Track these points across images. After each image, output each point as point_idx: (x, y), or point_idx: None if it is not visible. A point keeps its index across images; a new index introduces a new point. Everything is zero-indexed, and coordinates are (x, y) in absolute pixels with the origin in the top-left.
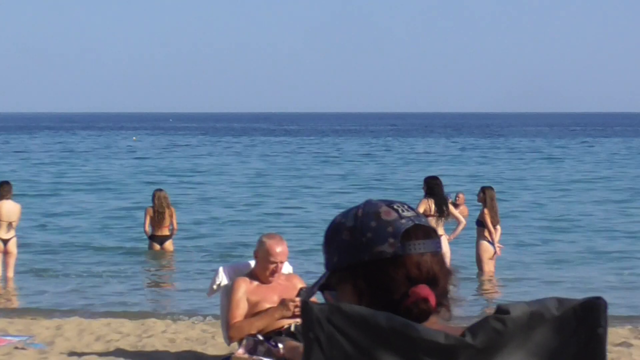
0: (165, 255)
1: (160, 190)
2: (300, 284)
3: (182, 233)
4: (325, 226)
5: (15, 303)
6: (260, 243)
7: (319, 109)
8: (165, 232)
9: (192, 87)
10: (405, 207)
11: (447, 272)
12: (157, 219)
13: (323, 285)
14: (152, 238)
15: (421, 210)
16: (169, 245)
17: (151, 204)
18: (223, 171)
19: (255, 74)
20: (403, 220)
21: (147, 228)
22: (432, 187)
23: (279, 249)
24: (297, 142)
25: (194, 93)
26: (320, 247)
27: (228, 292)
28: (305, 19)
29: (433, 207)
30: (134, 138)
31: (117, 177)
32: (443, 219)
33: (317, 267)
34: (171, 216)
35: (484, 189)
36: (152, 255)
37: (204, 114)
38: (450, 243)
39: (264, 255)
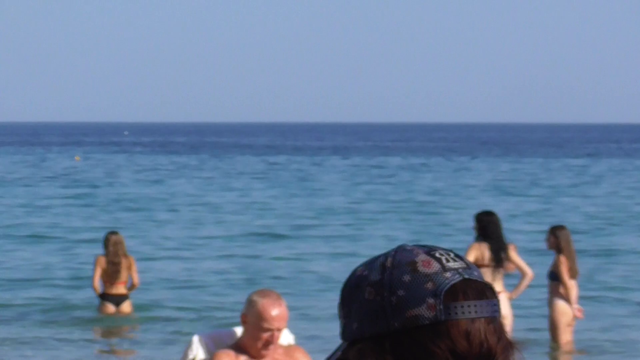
0: (122, 320)
1: (115, 233)
2: (304, 358)
3: (142, 290)
4: (342, 280)
5: None
6: (250, 303)
7: (302, 119)
8: (122, 289)
9: (153, 92)
10: (452, 255)
11: (508, 345)
12: (111, 271)
13: None
14: (104, 297)
15: (471, 258)
16: (126, 306)
17: (102, 252)
18: (196, 203)
19: (231, 77)
20: (448, 274)
21: (97, 283)
22: (486, 227)
23: (276, 311)
24: (305, 161)
25: (156, 100)
26: (335, 310)
27: None
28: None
29: (487, 254)
30: (77, 157)
31: (49, 213)
32: (502, 269)
33: (330, 336)
34: (129, 268)
35: (554, 230)
36: (104, 320)
37: (168, 125)
38: (513, 303)
39: (255, 320)
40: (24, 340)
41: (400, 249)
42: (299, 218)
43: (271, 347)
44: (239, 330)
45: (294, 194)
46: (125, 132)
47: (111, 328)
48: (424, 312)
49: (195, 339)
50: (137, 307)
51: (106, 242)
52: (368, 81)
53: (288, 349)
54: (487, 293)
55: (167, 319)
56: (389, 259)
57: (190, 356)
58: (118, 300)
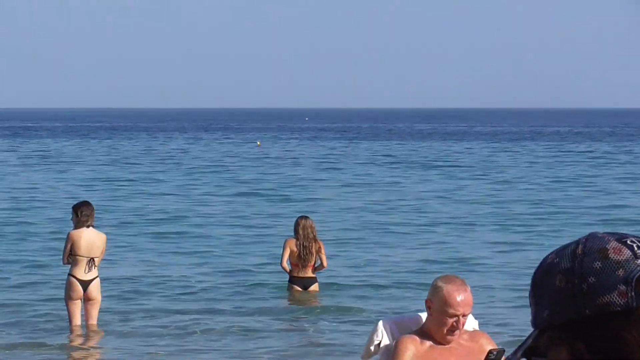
0: (309, 300)
1: (306, 217)
2: (489, 344)
3: (335, 272)
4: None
5: None
6: (435, 289)
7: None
8: (310, 272)
9: (333, 78)
10: None
11: None
12: (303, 255)
13: (530, 349)
14: (292, 280)
15: None
16: (314, 288)
17: (292, 235)
18: (392, 188)
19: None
20: (639, 261)
21: (285, 264)
22: None
23: (461, 297)
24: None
25: (335, 84)
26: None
27: (390, 355)
28: None
29: None
30: (258, 143)
31: (239, 197)
32: None
33: (514, 321)
34: (318, 251)
35: None
36: (291, 302)
37: (349, 111)
38: None
39: (439, 305)
40: (213, 326)
41: (591, 236)
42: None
43: (456, 332)
44: (423, 316)
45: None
46: (306, 118)
47: (298, 308)
48: (615, 299)
49: (380, 324)
50: (324, 288)
51: (296, 226)
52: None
53: (473, 334)
54: None
55: (354, 302)
56: (580, 246)
57: (376, 341)
58: (305, 283)
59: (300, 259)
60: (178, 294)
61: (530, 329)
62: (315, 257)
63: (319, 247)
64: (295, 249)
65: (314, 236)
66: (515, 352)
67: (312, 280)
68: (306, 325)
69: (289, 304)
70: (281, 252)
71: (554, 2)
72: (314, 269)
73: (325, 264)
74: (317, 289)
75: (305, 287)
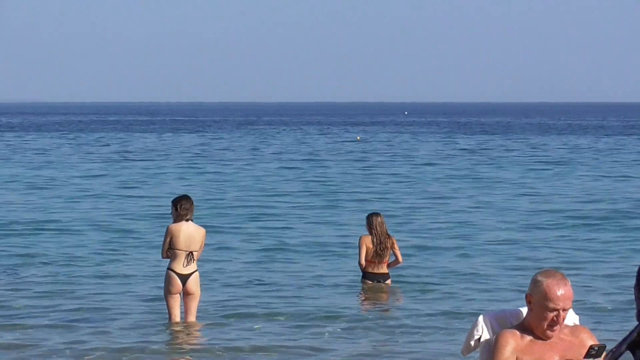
0: (383, 294)
1: (377, 214)
2: (589, 339)
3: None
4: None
5: None
6: (535, 283)
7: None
8: (384, 269)
9: (431, 71)
10: None
11: None
12: (379, 251)
13: (635, 343)
14: (366, 276)
15: None
16: (388, 282)
17: (366, 233)
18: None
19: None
20: None
21: (363, 260)
22: None
23: (561, 291)
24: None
25: (434, 78)
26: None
27: (490, 349)
28: None
29: None
30: (358, 137)
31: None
32: None
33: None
34: (392, 247)
35: None
36: (366, 290)
37: (447, 105)
38: None
39: (540, 300)
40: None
41: None
42: None
43: (556, 327)
44: (524, 310)
45: None
46: (405, 112)
47: (379, 303)
48: None
49: (481, 318)
50: (408, 284)
51: (371, 223)
52: None
53: (574, 329)
54: None
55: (445, 297)
56: None
57: (476, 336)
58: (379, 278)
59: (376, 255)
60: (262, 290)
61: (635, 322)
62: (389, 252)
63: (392, 243)
64: (371, 246)
65: (387, 232)
66: (619, 345)
67: (386, 276)
68: (395, 321)
69: (368, 301)
70: (358, 250)
71: None
72: (388, 265)
73: (400, 259)
74: (390, 284)
75: (378, 283)
